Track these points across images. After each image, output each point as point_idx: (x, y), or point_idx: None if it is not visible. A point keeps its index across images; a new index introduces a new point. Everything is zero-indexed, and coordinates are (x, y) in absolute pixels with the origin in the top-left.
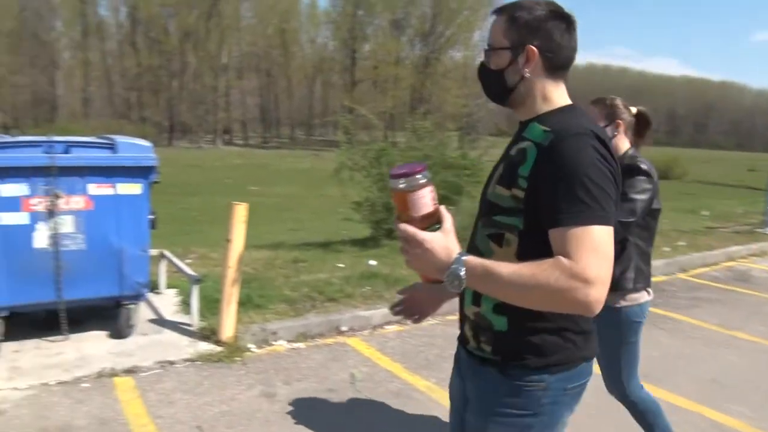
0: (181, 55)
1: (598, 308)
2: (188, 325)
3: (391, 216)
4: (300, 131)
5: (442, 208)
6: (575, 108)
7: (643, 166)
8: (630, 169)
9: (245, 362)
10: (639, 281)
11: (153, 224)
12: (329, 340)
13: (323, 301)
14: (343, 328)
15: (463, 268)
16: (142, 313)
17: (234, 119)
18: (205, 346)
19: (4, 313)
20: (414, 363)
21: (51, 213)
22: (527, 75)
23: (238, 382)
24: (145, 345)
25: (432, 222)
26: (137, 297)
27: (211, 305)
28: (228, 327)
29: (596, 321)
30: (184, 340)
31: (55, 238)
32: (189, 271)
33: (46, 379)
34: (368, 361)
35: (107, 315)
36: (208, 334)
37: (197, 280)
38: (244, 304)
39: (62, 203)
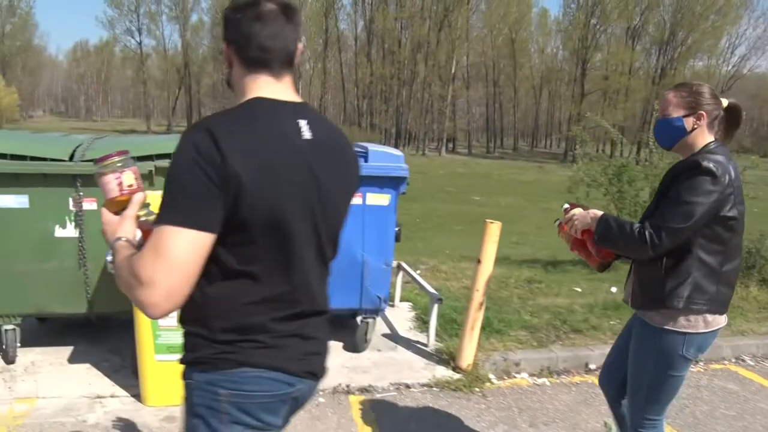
0: (411, 64)
1: (154, 312)
2: (423, 344)
3: None
4: (523, 142)
5: (136, 197)
6: (250, 103)
7: (707, 164)
8: (690, 168)
9: (485, 394)
10: (695, 302)
11: (398, 237)
12: (577, 378)
13: (567, 331)
14: (592, 366)
15: (110, 251)
16: (376, 326)
17: (459, 128)
18: (442, 371)
19: None
20: (680, 420)
21: None
22: (231, 69)
23: (478, 417)
24: (380, 362)
25: (121, 206)
26: (376, 311)
27: (447, 325)
28: (468, 353)
29: (635, 340)
30: (420, 361)
31: None
32: (430, 288)
33: None
34: None
35: (341, 325)
36: (446, 358)
37: (439, 300)
38: (484, 328)
39: None
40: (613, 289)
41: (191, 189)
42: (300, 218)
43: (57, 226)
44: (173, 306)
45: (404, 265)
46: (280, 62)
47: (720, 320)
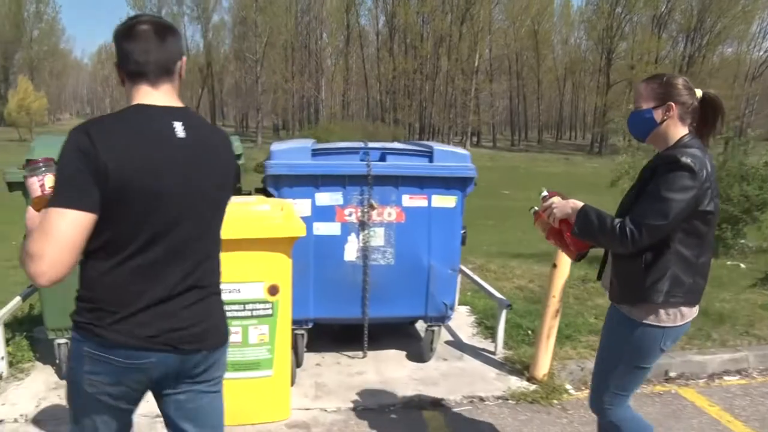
0: (434, 59)
1: (42, 281)
2: (490, 353)
3: None
4: (547, 134)
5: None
6: (130, 108)
7: (685, 160)
8: (669, 163)
9: (564, 407)
10: (675, 294)
11: (463, 240)
12: (658, 388)
13: None
14: (672, 374)
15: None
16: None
17: (483, 122)
18: (516, 382)
19: (309, 325)
20: None
21: (363, 224)
22: (123, 83)
23: None
24: (449, 373)
25: (43, 204)
26: (442, 319)
27: (512, 331)
28: (544, 363)
29: (612, 328)
30: (490, 371)
31: (365, 251)
32: (497, 294)
33: (351, 402)
34: (716, 424)
35: (403, 332)
36: (519, 368)
37: (508, 306)
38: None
39: (375, 215)
40: None
41: (72, 179)
42: (167, 204)
43: None
44: (57, 275)
45: (463, 267)
46: (155, 74)
47: (694, 311)
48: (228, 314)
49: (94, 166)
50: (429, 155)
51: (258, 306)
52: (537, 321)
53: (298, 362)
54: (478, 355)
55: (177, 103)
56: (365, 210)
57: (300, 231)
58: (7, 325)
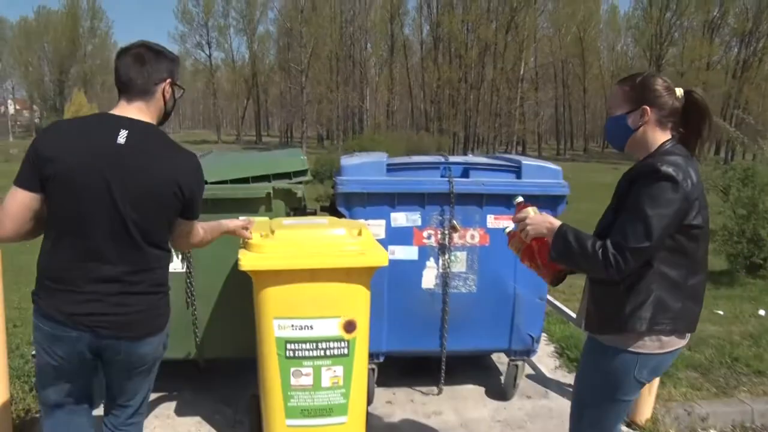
0: (479, 67)
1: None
2: None
3: (758, 249)
4: (593, 143)
5: None
6: (93, 115)
7: (666, 170)
8: (647, 173)
9: None
10: (659, 321)
11: None
12: None
13: (748, 373)
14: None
15: None
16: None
17: (528, 130)
18: None
19: (381, 359)
20: None
21: (443, 248)
22: None
23: None
24: (535, 414)
25: None
26: (527, 353)
27: None
28: (646, 407)
29: (586, 350)
30: None
31: (445, 278)
32: None
33: None
34: None
35: (479, 364)
36: None
37: None
38: None
39: (457, 237)
40: (762, 312)
41: (23, 165)
42: (91, 197)
43: None
44: (5, 237)
45: None
46: (133, 92)
47: (678, 341)
48: (298, 353)
49: (34, 157)
50: (516, 171)
51: (332, 345)
52: None
53: (368, 399)
54: (565, 391)
55: (145, 119)
56: (446, 232)
57: (382, 260)
58: None
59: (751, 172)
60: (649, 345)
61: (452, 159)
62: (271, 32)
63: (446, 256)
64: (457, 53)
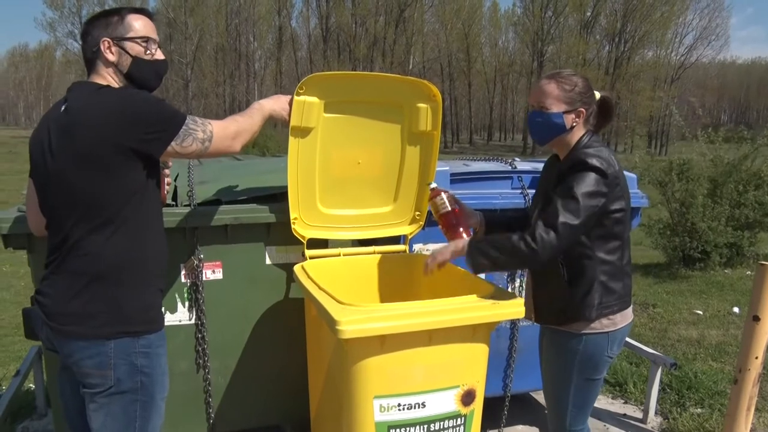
0: (369, 61)
1: None
2: (637, 420)
3: (695, 241)
4: (477, 136)
5: None
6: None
7: (594, 162)
8: (576, 165)
9: None
10: (607, 305)
11: None
12: None
13: None
14: None
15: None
16: None
17: None
18: None
19: None
20: None
21: (512, 274)
22: None
23: None
24: None
25: None
26: None
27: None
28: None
29: (549, 347)
30: None
31: None
32: (651, 350)
33: None
34: None
35: (522, 401)
36: None
37: (673, 365)
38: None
39: None
40: (736, 309)
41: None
42: (40, 174)
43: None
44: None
45: None
46: (87, 68)
47: (630, 311)
48: None
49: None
50: None
51: (447, 424)
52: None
53: None
54: (623, 424)
55: (99, 82)
56: None
57: (517, 311)
58: None
59: (686, 167)
60: (614, 322)
61: (520, 167)
62: None
63: (517, 284)
64: (346, 46)
